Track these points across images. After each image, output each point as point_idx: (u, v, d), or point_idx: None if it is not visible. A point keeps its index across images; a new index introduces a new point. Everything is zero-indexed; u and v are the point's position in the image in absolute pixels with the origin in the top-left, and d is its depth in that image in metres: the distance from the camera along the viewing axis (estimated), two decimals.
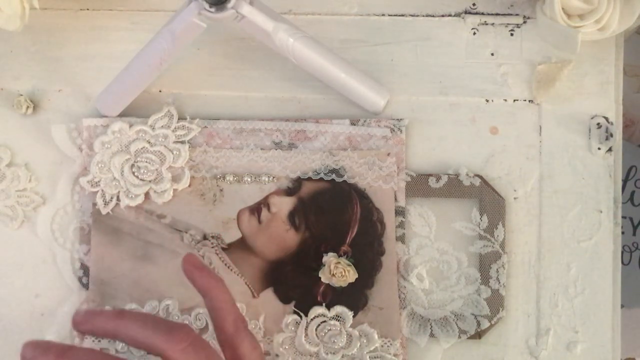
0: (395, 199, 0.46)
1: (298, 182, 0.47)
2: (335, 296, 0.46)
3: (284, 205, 0.46)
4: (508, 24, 0.48)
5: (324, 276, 0.46)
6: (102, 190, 0.46)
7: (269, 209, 0.46)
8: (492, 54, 0.48)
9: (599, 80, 0.48)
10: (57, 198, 0.47)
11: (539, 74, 0.47)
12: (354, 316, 0.46)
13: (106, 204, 0.46)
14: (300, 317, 0.46)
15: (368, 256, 0.46)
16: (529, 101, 0.48)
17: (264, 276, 0.46)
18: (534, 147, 0.47)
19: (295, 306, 0.46)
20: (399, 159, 0.47)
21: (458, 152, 0.47)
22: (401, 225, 0.46)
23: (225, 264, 0.46)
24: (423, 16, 0.48)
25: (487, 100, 0.48)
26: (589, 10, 0.44)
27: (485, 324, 0.46)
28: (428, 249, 0.47)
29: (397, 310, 0.46)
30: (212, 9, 0.40)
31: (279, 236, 0.46)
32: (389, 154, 0.47)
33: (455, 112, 0.48)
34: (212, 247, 0.46)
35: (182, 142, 0.47)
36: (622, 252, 0.62)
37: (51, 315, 0.47)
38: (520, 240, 0.47)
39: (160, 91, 0.48)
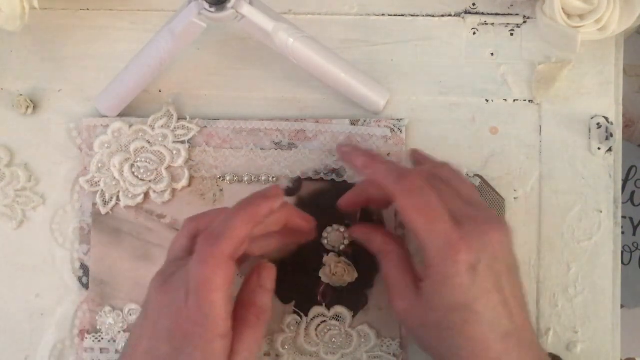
0: None
1: (298, 182, 0.47)
2: (335, 296, 0.46)
3: None
4: (508, 24, 0.48)
5: (324, 276, 0.45)
6: (102, 190, 0.46)
7: None
8: (492, 54, 0.48)
9: (599, 80, 0.48)
10: (56, 198, 0.47)
11: (539, 74, 0.47)
12: (354, 316, 0.46)
13: (106, 204, 0.46)
14: (301, 317, 0.46)
15: (368, 256, 0.46)
16: (529, 101, 0.48)
17: None
18: (534, 147, 0.47)
19: (295, 306, 0.46)
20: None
21: (458, 152, 0.47)
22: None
23: None
24: (423, 16, 0.48)
25: (487, 100, 0.48)
26: (589, 10, 0.44)
27: None
28: None
29: None
30: (212, 9, 0.40)
31: None
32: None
33: (455, 112, 0.48)
34: None
35: (182, 142, 0.47)
36: (622, 252, 0.61)
37: (51, 315, 0.47)
38: (520, 240, 0.47)
39: (160, 91, 0.48)
